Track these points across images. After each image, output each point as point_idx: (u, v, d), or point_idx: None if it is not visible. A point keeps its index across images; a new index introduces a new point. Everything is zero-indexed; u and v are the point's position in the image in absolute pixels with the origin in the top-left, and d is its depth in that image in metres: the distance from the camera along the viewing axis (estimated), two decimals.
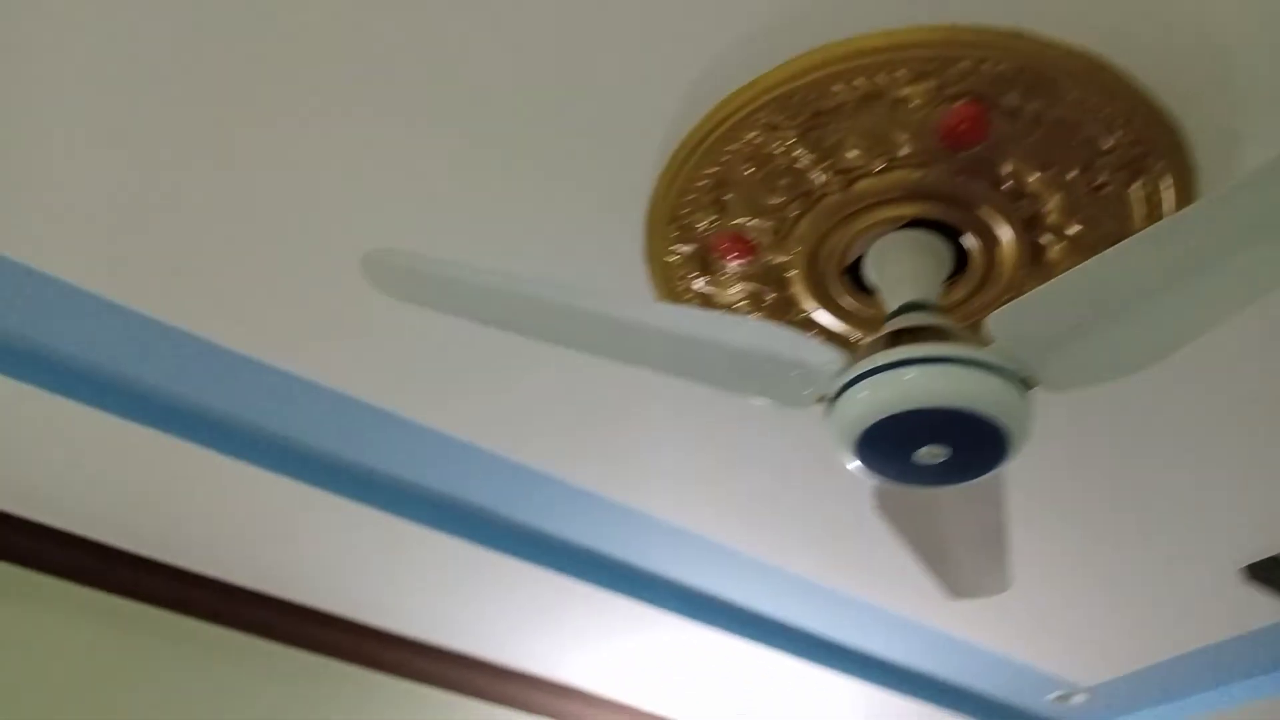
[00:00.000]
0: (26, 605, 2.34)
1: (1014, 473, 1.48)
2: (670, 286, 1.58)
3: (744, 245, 1.48)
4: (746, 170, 1.40)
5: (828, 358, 1.27)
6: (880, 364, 1.23)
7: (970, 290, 1.51)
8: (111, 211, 1.60)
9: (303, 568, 2.40)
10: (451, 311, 1.30)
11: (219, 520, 2.25)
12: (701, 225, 1.47)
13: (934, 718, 2.83)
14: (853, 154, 1.37)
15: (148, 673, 2.38)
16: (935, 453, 1.26)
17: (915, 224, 1.42)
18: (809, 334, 1.44)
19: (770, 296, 1.55)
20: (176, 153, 1.50)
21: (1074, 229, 1.44)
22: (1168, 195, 1.41)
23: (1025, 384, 1.26)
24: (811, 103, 1.32)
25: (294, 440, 2.01)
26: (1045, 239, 1.45)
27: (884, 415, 1.23)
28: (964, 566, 1.70)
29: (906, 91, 1.30)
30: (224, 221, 1.60)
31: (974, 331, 1.39)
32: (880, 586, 2.36)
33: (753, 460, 2.01)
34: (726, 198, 1.43)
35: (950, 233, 1.43)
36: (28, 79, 1.41)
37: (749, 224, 1.46)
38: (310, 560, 2.37)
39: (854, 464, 1.32)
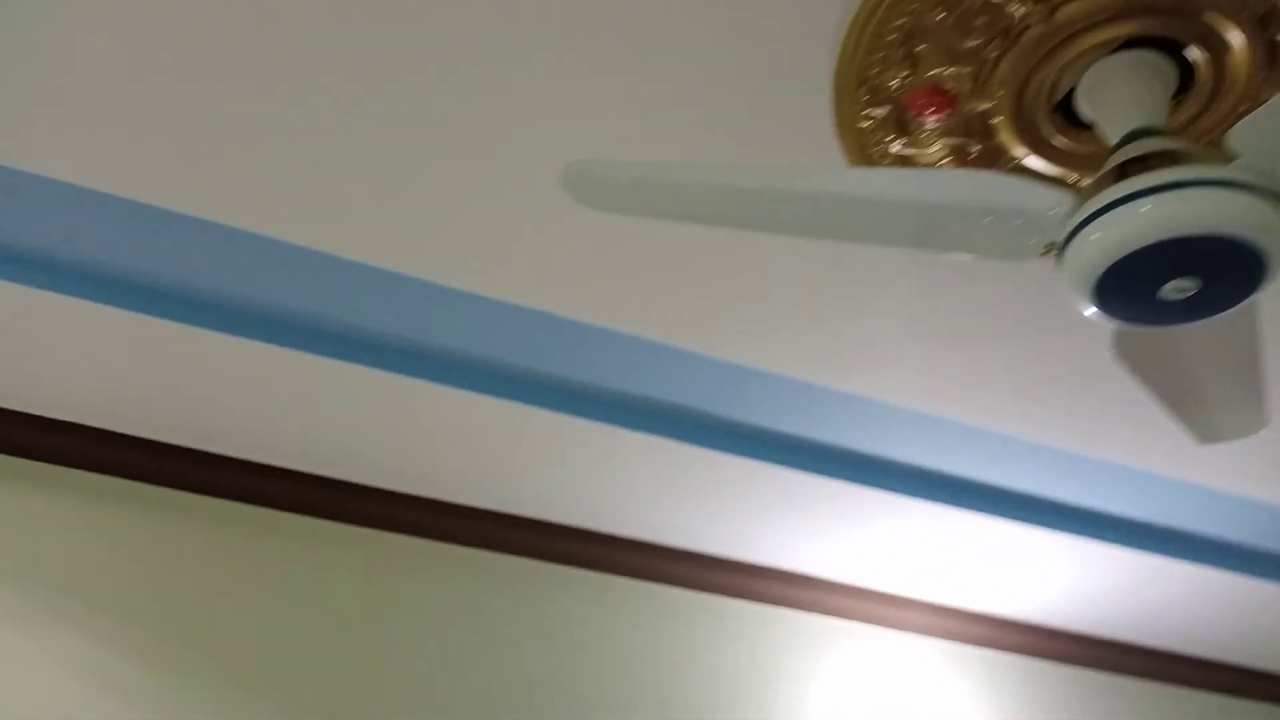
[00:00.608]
0: (323, 554, 2.55)
1: (1267, 298, 1.37)
2: (865, 155, 1.52)
3: (942, 97, 1.40)
4: (937, 15, 1.31)
5: (1053, 201, 1.19)
6: (1114, 198, 1.15)
7: (1198, 108, 1.38)
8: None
9: (541, 487, 2.49)
10: (654, 214, 1.29)
11: (452, 448, 2.35)
12: (894, 84, 1.40)
13: (1204, 578, 2.71)
14: None
15: (400, 600, 2.55)
16: (1183, 287, 1.17)
17: (1130, 44, 1.30)
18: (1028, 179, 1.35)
19: (975, 149, 1.47)
20: (363, 80, 1.52)
21: None
22: None
23: (1279, 199, 1.15)
24: None
25: (517, 365, 2.06)
26: None
27: (1124, 253, 1.15)
28: (1216, 407, 1.60)
29: None
30: (409, 147, 1.63)
31: (1213, 150, 1.28)
32: (1126, 444, 2.26)
33: (975, 329, 1.94)
34: (918, 49, 1.35)
35: (1171, 47, 1.31)
36: None
37: (945, 74, 1.37)
38: (554, 480, 2.46)
39: (1091, 310, 1.24)
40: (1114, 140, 1.27)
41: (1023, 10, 1.29)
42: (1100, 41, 1.30)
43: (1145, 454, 2.29)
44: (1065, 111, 1.40)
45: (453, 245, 1.81)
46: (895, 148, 1.49)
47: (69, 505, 2.46)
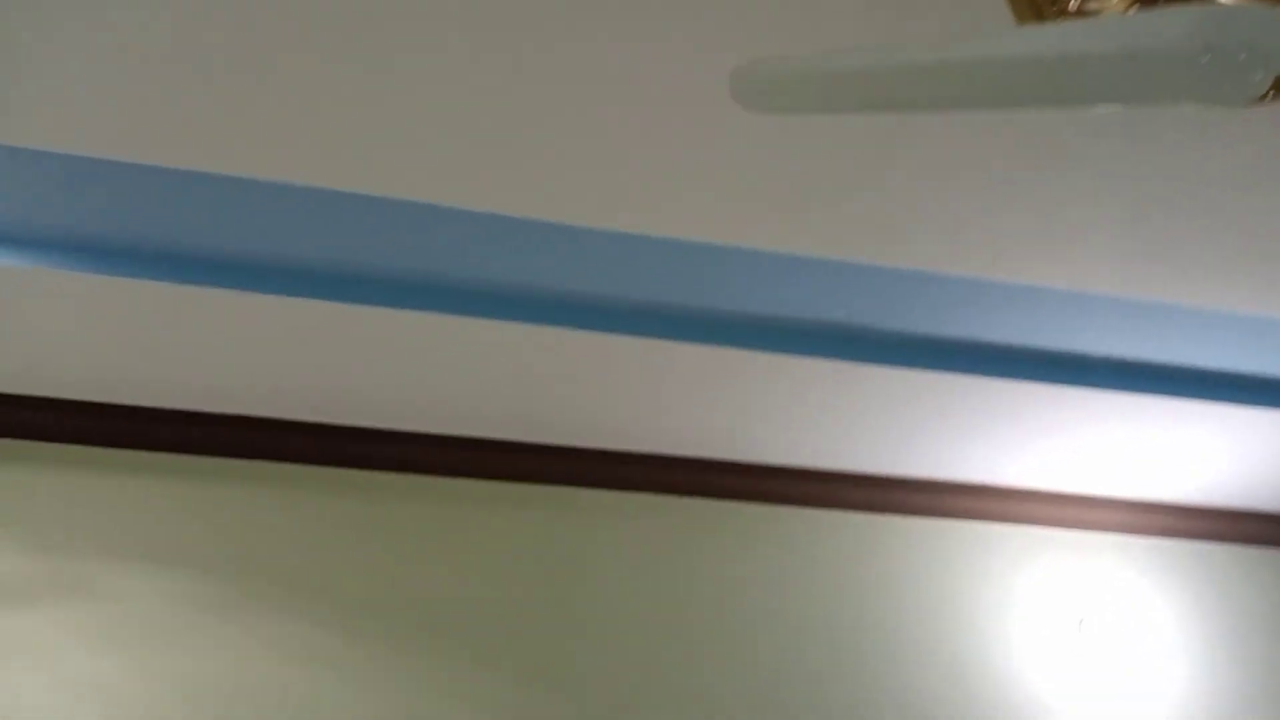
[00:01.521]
0: (481, 512, 2.54)
1: None
2: (1038, 15, 1.38)
3: None
4: None
5: None
6: None
7: None
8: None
9: (726, 426, 2.44)
10: (826, 109, 1.18)
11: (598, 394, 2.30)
12: None
13: None
14: None
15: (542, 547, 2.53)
16: None
17: None
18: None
19: None
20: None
21: None
22: None
23: None
24: None
25: (686, 304, 1.99)
26: None
27: None
28: None
29: None
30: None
31: None
32: None
33: (1173, 195, 1.77)
34: None
35: None
36: None
37: None
38: (717, 416, 2.39)
39: None
40: None
41: None
42: None
43: None
44: None
45: (603, 183, 1.74)
46: (1072, 3, 1.35)
47: (253, 494, 2.52)
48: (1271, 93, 1.12)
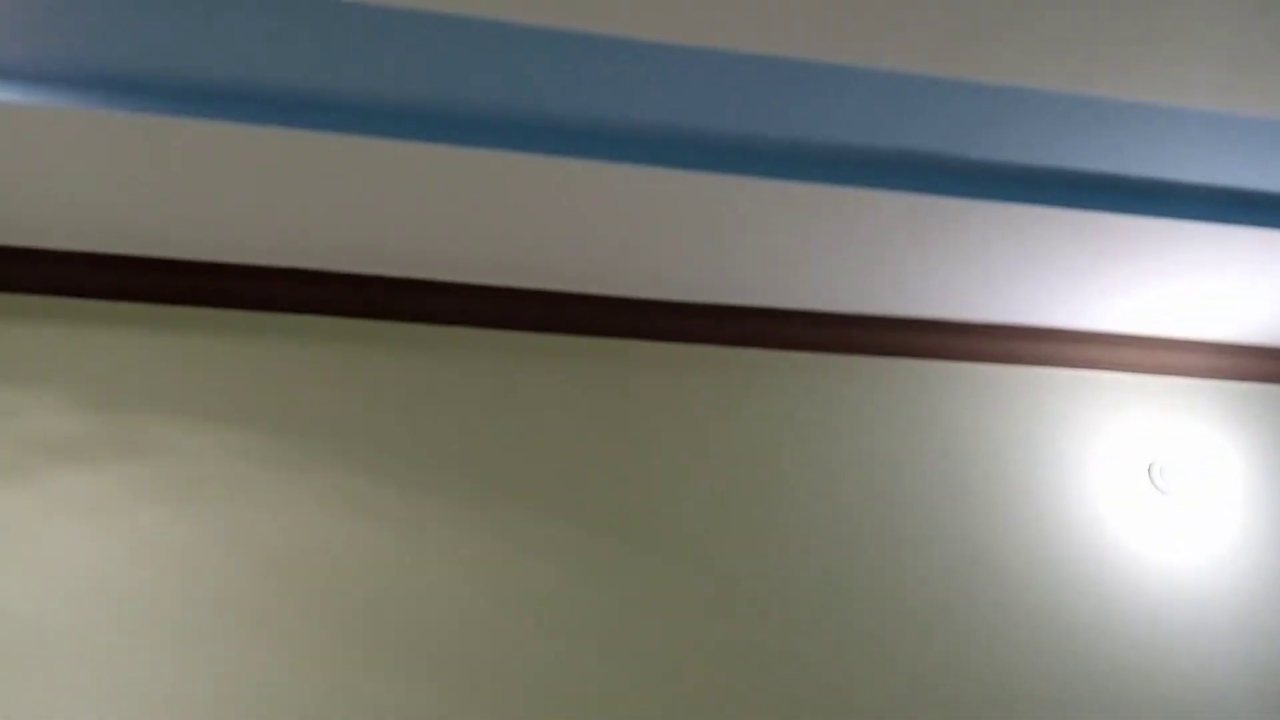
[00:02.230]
0: (577, 368, 2.49)
1: None
2: None
3: None
4: None
5: None
6: None
7: None
8: None
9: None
10: None
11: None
12: None
13: None
14: None
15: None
16: None
17: None
18: None
19: None
20: None
21: None
22: None
23: None
24: None
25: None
26: None
27: None
28: None
29: None
30: None
31: None
32: None
33: None
34: None
35: None
36: None
37: None
38: (785, 263, 2.30)
39: None
40: None
41: None
42: None
43: None
44: None
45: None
46: None
47: (305, 349, 2.47)
48: None
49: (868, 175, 2.08)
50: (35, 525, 2.26)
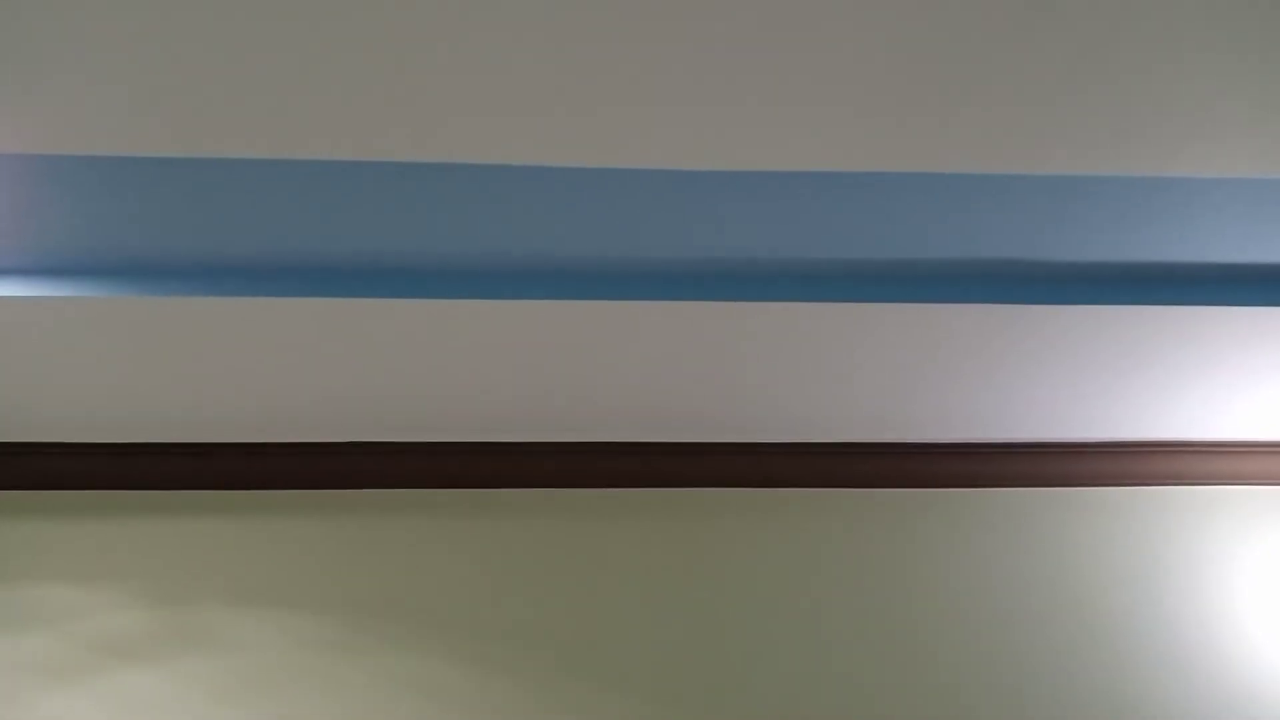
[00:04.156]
0: (640, 523, 2.37)
1: None
2: None
3: None
4: None
5: None
6: None
7: None
8: None
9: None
10: None
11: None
12: None
13: None
14: None
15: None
16: None
17: None
18: None
19: None
20: None
21: None
22: None
23: None
24: None
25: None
26: None
27: None
28: None
29: None
30: None
31: None
32: None
33: None
34: None
35: None
36: None
37: None
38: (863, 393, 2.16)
39: None
40: None
41: None
42: None
43: None
44: None
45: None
46: None
47: (362, 525, 2.40)
48: None
49: (943, 289, 1.93)
50: None
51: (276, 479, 2.39)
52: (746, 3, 1.37)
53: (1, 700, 2.19)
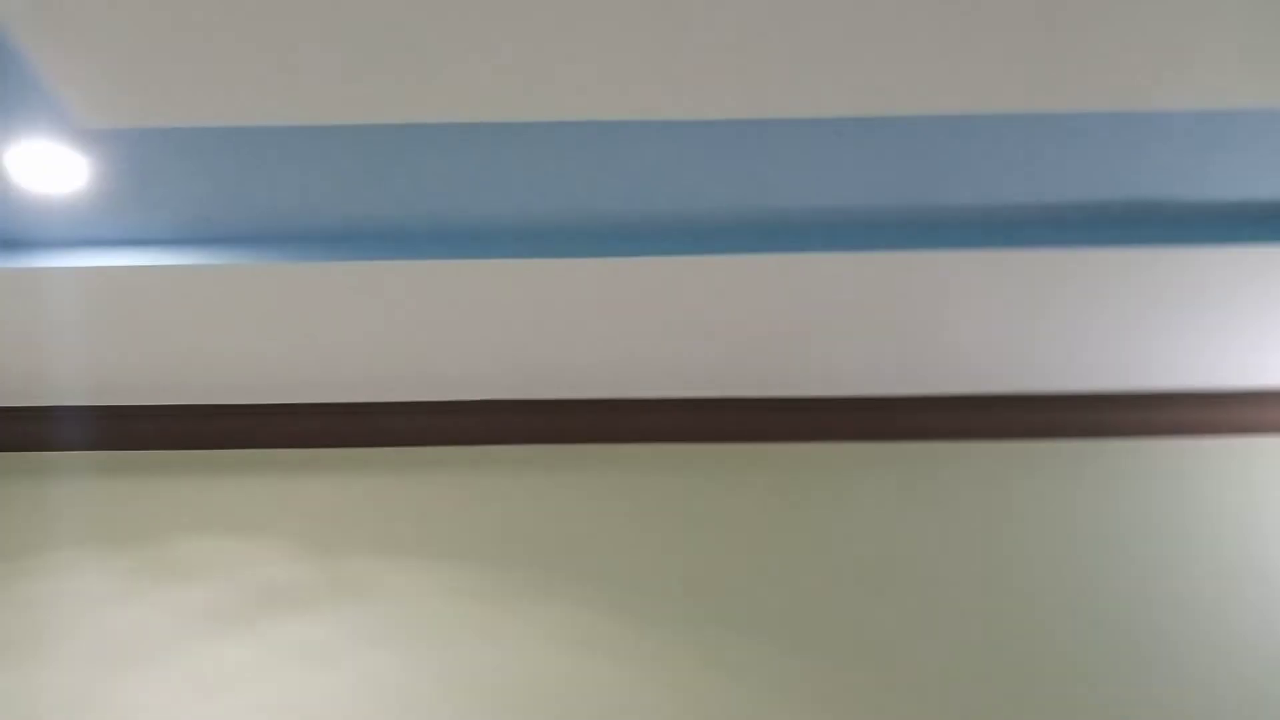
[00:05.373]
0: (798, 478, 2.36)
1: None
2: None
3: None
4: None
5: None
6: None
7: None
8: None
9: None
10: None
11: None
12: None
13: None
14: None
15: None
16: None
17: None
18: None
19: None
20: None
21: None
22: None
23: None
24: None
25: None
26: None
27: None
28: None
29: None
30: None
31: None
32: None
33: None
34: None
35: None
36: None
37: None
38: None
39: None
40: None
41: None
42: None
43: None
44: None
45: None
46: None
47: (516, 480, 2.45)
48: None
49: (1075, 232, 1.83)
50: (263, 672, 2.29)
51: (427, 436, 2.46)
52: None
53: (173, 645, 2.33)
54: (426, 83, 1.63)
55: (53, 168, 1.85)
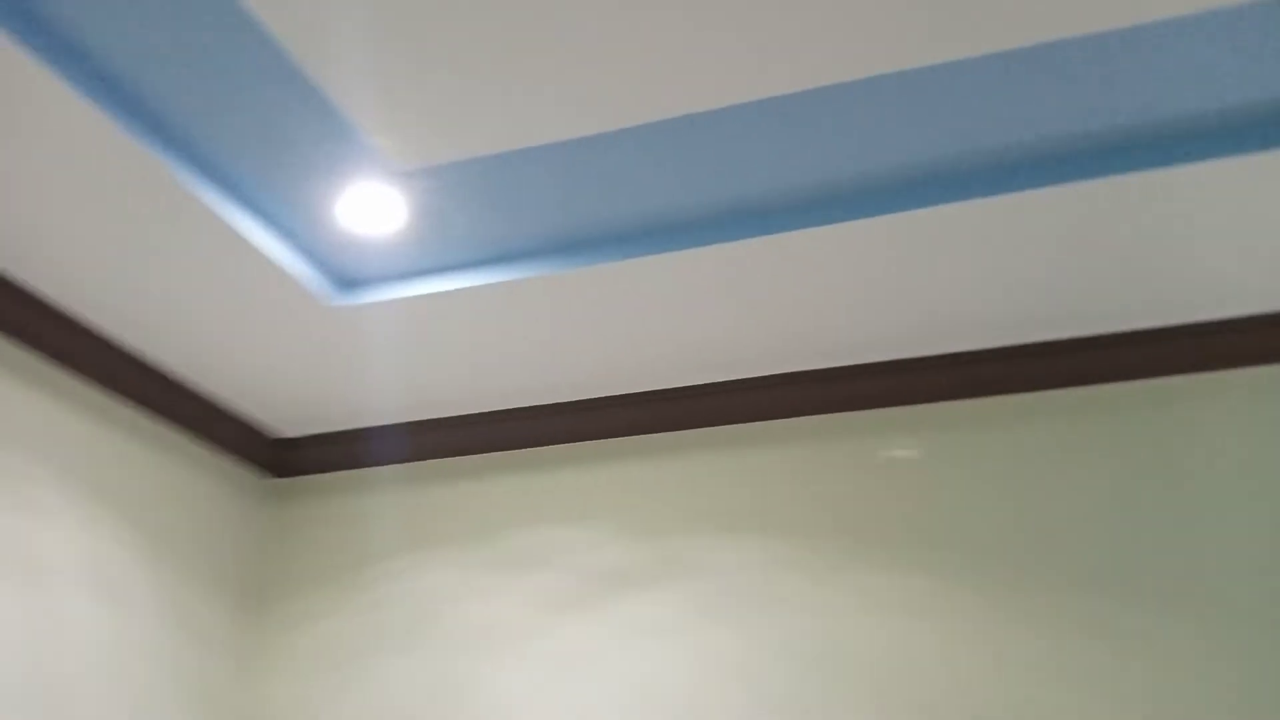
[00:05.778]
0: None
1: None
2: None
3: None
4: None
5: None
6: None
7: None
8: None
9: None
10: None
11: None
12: None
13: None
14: None
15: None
16: None
17: None
18: None
19: None
20: None
21: None
22: None
23: None
24: None
25: None
26: None
27: None
28: None
29: None
30: None
31: None
32: None
33: None
34: None
35: None
36: None
37: None
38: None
39: None
40: None
41: None
42: None
43: None
44: None
45: None
46: None
47: (822, 452, 2.45)
48: None
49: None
50: (609, 650, 2.42)
51: (732, 413, 2.51)
52: None
53: (527, 631, 2.49)
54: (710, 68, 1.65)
55: (375, 210, 2.01)
